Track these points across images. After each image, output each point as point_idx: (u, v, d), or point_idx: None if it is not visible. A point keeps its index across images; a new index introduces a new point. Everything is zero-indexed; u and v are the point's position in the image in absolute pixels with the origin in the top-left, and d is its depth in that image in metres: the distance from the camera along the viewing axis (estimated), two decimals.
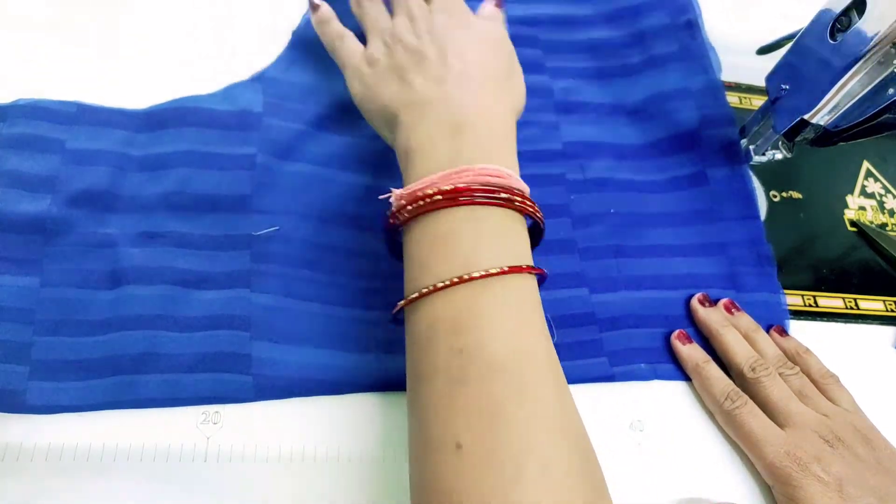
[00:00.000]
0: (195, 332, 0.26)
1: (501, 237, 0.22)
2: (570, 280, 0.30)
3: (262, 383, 0.25)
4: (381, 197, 0.24)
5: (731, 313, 0.30)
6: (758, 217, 0.33)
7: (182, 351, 0.25)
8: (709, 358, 0.28)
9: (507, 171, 0.22)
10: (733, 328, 0.29)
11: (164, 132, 0.30)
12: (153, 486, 0.24)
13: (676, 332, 0.29)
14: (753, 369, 0.27)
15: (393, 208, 0.23)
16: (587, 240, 0.31)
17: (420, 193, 0.22)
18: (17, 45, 0.31)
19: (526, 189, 0.23)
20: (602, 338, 0.29)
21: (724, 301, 0.30)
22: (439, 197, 0.21)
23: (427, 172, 0.23)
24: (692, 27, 0.37)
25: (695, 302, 0.30)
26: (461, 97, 0.24)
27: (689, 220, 0.33)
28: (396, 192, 0.23)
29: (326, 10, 0.31)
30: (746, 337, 0.29)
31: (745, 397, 0.27)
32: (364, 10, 0.29)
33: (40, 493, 0.23)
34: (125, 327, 0.25)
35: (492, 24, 0.28)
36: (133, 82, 0.31)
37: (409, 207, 0.22)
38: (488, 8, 0.30)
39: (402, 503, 0.25)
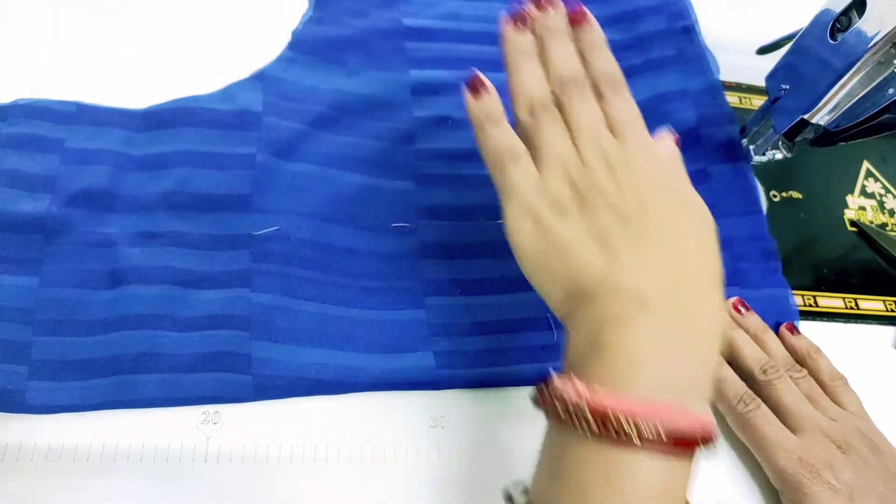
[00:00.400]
0: (195, 331, 0.26)
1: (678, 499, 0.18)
2: None
3: (262, 383, 0.25)
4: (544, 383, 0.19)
5: (740, 312, 0.29)
6: (761, 212, 0.33)
7: (182, 351, 0.25)
8: (721, 359, 0.28)
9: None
10: (742, 330, 0.29)
11: (164, 132, 0.30)
12: (153, 486, 0.23)
13: None
14: (765, 371, 0.27)
15: (557, 392, 0.18)
16: None
17: (623, 418, 0.16)
18: (16, 45, 0.31)
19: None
20: None
21: (732, 300, 0.30)
22: (650, 439, 0.16)
23: (636, 390, 0.17)
24: (689, 32, 0.37)
25: None
26: (697, 300, 0.19)
27: None
28: (579, 386, 0.18)
29: (495, 101, 0.23)
30: (755, 338, 0.29)
31: (759, 400, 0.26)
32: (539, 124, 0.22)
33: (40, 493, 0.23)
34: (125, 327, 0.25)
35: (696, 196, 0.22)
36: (132, 82, 0.31)
37: (593, 423, 0.17)
38: (667, 145, 0.23)
39: (403, 502, 0.25)
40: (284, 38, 0.34)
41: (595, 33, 0.24)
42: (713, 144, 0.34)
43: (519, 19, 0.24)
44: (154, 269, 0.26)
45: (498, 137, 0.23)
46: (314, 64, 0.33)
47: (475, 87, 0.23)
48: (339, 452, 0.25)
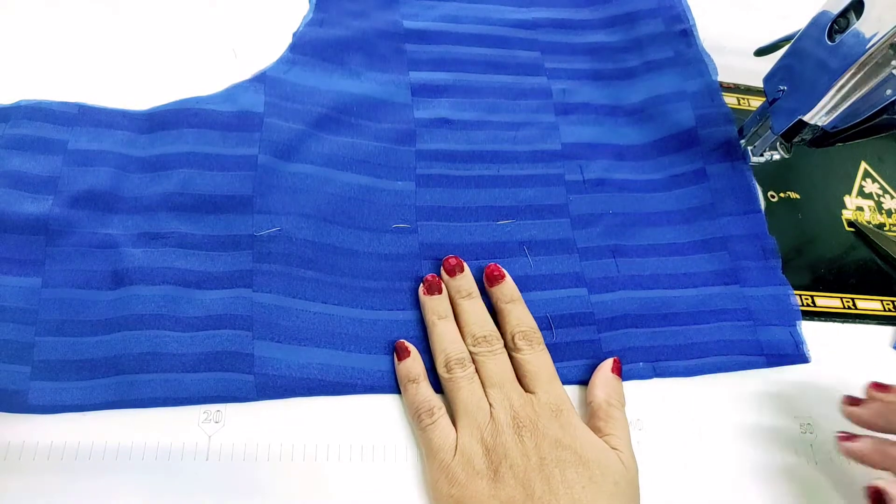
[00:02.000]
0: (197, 331, 0.26)
1: None
2: (570, 280, 0.30)
3: (264, 383, 0.25)
4: None
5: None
6: (760, 211, 0.33)
7: (184, 350, 0.25)
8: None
9: None
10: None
11: (166, 133, 0.30)
12: (154, 484, 0.24)
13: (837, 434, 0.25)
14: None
15: None
16: (586, 240, 0.31)
17: None
18: (19, 47, 0.31)
19: None
20: (601, 338, 0.29)
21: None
22: None
23: None
24: (687, 35, 0.37)
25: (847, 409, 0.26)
26: None
27: (689, 217, 0.33)
28: None
29: (414, 363, 0.26)
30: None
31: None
32: (454, 379, 0.25)
33: (42, 493, 0.23)
34: (127, 327, 0.25)
35: (598, 446, 0.24)
36: (134, 83, 0.31)
37: None
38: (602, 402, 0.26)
39: (403, 502, 0.25)
40: (285, 40, 0.34)
41: (510, 290, 0.28)
42: (711, 144, 0.34)
43: (433, 288, 0.28)
44: (156, 270, 0.27)
45: (416, 395, 0.26)
46: (315, 65, 0.33)
47: (399, 352, 0.27)
48: (339, 452, 0.25)
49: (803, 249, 0.34)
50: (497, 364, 0.26)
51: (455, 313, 0.28)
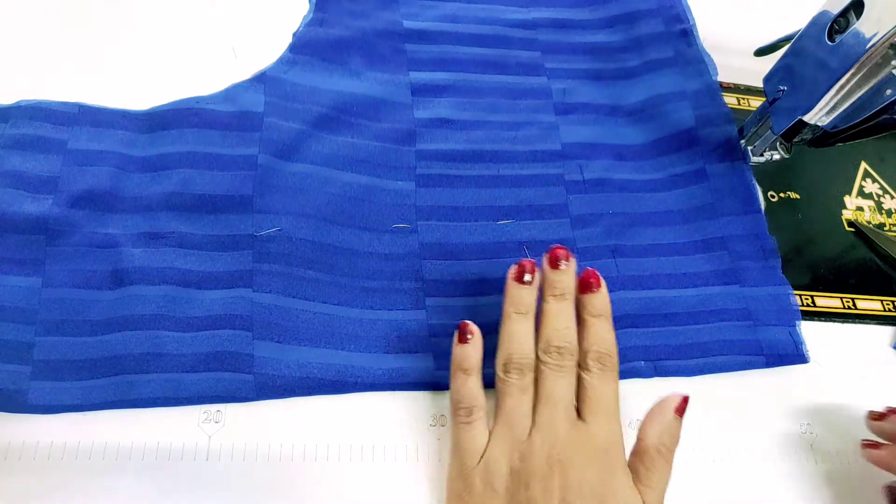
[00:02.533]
0: (197, 331, 0.26)
1: None
2: None
3: (264, 382, 0.25)
4: None
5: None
6: (759, 211, 0.33)
7: (184, 351, 0.25)
8: None
9: None
10: None
11: (166, 133, 0.30)
12: (154, 484, 0.24)
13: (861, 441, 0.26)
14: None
15: None
16: (586, 240, 0.31)
17: None
18: (18, 47, 0.31)
19: None
20: None
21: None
22: None
23: None
24: (687, 35, 0.37)
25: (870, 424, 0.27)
26: None
27: (689, 217, 0.32)
28: None
29: (474, 351, 0.24)
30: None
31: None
32: (507, 384, 0.24)
33: (40, 493, 0.23)
34: (127, 327, 0.25)
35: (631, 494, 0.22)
36: (134, 83, 0.31)
37: None
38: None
39: (403, 502, 0.25)
40: (285, 40, 0.34)
41: (602, 302, 0.25)
42: (711, 144, 0.34)
43: (524, 274, 0.25)
44: (156, 270, 0.26)
45: (463, 387, 0.24)
46: (315, 65, 0.33)
47: (461, 333, 0.25)
48: (340, 451, 0.25)
49: (803, 249, 0.34)
50: (561, 382, 0.23)
51: (540, 310, 0.25)
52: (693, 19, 0.38)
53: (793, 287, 0.31)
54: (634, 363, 0.28)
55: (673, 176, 0.34)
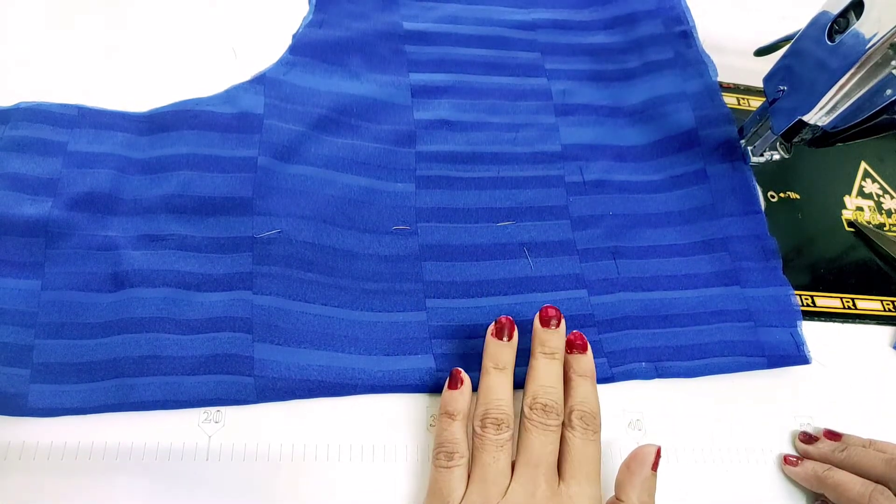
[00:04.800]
0: (197, 334, 0.26)
1: None
2: (570, 282, 0.30)
3: (264, 385, 0.25)
4: None
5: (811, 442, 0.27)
6: (760, 212, 0.32)
7: (184, 353, 0.25)
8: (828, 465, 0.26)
9: None
10: (837, 469, 0.26)
11: (166, 135, 0.29)
12: (154, 484, 0.23)
13: (784, 455, 0.27)
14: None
15: None
16: (586, 241, 0.31)
17: None
18: (18, 48, 0.31)
19: None
20: (601, 339, 0.29)
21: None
22: None
23: None
24: (687, 37, 0.37)
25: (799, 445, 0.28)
26: None
27: (689, 217, 0.32)
28: None
29: (463, 399, 0.25)
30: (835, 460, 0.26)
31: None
32: (484, 439, 0.23)
33: (40, 493, 0.23)
34: (127, 330, 0.25)
35: None
36: (134, 85, 0.31)
37: None
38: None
39: (403, 502, 0.25)
40: (285, 41, 0.34)
41: (588, 364, 0.26)
42: (711, 145, 0.34)
43: (503, 332, 0.25)
44: (156, 272, 0.26)
45: (445, 431, 0.24)
46: (315, 66, 0.33)
47: (452, 380, 0.25)
48: (340, 452, 0.25)
49: (803, 249, 0.34)
50: (543, 441, 0.23)
51: (529, 366, 0.25)
52: (693, 21, 0.38)
53: (793, 287, 0.31)
54: (635, 364, 0.28)
55: (673, 177, 0.33)
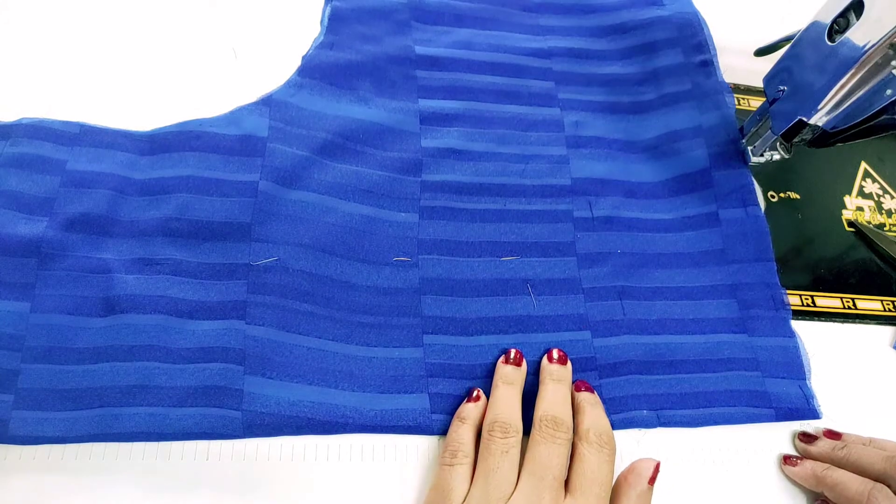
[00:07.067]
0: (187, 363, 0.24)
1: None
2: (574, 322, 0.28)
3: (251, 420, 0.24)
4: None
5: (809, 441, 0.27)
6: (772, 259, 0.31)
7: (173, 383, 0.24)
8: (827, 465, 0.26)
9: None
10: (834, 468, 0.26)
11: (168, 156, 0.28)
12: (154, 484, 0.23)
13: (783, 455, 0.27)
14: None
15: None
16: (592, 280, 0.29)
17: None
18: (21, 64, 0.31)
19: None
20: (601, 384, 0.27)
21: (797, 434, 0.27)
22: None
23: None
24: (707, 66, 0.35)
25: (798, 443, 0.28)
26: None
27: (699, 261, 0.31)
28: None
29: (476, 409, 0.25)
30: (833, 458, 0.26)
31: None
32: (489, 445, 0.23)
33: (40, 493, 0.22)
34: (116, 358, 0.24)
35: None
36: (138, 103, 0.30)
37: None
38: None
39: (403, 502, 0.24)
40: (294, 63, 0.32)
41: (597, 397, 0.26)
42: (726, 187, 0.32)
43: (512, 359, 0.26)
44: (149, 298, 0.25)
45: (454, 432, 0.24)
46: (323, 89, 0.32)
47: (470, 395, 0.26)
48: (340, 452, 0.25)
49: (803, 249, 0.33)
50: (552, 454, 0.22)
51: (538, 393, 0.25)
52: (714, 49, 0.35)
53: (793, 287, 0.31)
54: (637, 412, 0.27)
55: (685, 217, 0.32)
